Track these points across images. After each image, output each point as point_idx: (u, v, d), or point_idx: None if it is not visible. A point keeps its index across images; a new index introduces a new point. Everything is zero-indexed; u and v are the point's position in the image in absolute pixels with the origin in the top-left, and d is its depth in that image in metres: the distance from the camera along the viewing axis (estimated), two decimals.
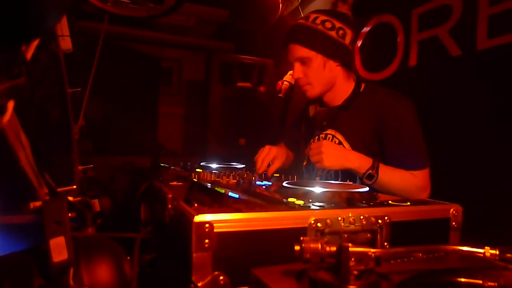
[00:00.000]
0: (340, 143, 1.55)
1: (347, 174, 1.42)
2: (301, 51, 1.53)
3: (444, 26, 1.95)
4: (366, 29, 2.49)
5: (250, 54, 3.53)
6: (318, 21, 1.52)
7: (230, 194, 0.91)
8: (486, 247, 0.69)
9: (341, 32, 1.53)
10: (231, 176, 1.23)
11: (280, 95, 2.07)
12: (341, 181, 1.30)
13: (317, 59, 1.53)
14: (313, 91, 1.59)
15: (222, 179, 1.20)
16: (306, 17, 1.57)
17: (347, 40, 1.55)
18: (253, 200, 0.86)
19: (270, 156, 1.54)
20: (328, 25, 1.52)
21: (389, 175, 1.40)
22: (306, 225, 0.74)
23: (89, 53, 1.59)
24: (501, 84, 1.69)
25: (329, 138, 1.60)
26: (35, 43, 0.56)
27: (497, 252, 0.68)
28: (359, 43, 2.54)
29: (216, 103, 3.34)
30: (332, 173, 1.55)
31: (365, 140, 1.51)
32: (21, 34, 0.42)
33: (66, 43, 1.25)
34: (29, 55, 0.55)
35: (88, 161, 1.43)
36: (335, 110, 1.61)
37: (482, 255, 0.68)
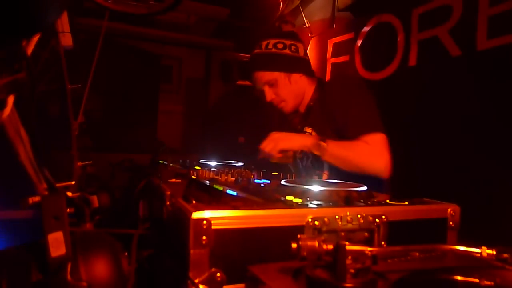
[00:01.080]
0: (310, 134, 1.67)
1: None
2: (265, 75, 1.68)
3: (444, 26, 1.95)
4: (366, 29, 2.49)
5: (250, 52, 3.53)
6: (270, 45, 1.68)
7: (228, 191, 0.92)
8: (483, 247, 0.69)
9: (293, 47, 1.69)
10: (230, 174, 1.23)
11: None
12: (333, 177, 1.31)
13: (281, 77, 1.67)
14: (288, 106, 1.73)
15: (220, 177, 1.21)
16: (260, 46, 1.72)
17: (301, 52, 1.71)
18: (251, 197, 0.87)
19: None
20: (280, 46, 1.67)
21: (340, 146, 1.46)
22: (304, 223, 0.74)
23: (89, 50, 1.59)
24: (500, 84, 1.69)
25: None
26: (35, 38, 0.56)
27: (494, 252, 0.68)
28: (359, 42, 2.54)
29: (216, 101, 3.34)
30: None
31: (328, 127, 1.60)
32: (22, 28, 0.42)
33: (66, 40, 1.26)
34: (29, 50, 0.55)
35: (87, 157, 1.43)
36: (305, 112, 1.75)
37: (479, 255, 0.68)
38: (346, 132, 1.51)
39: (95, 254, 0.68)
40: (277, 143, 1.46)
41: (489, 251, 0.69)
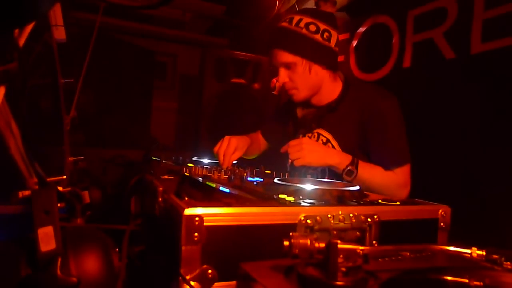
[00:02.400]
0: (328, 141, 1.56)
1: (332, 174, 1.44)
2: (285, 56, 1.51)
3: (439, 29, 1.96)
4: (361, 30, 2.50)
5: (245, 50, 3.52)
6: (302, 24, 1.49)
7: (221, 188, 0.91)
8: (473, 248, 0.70)
9: (326, 34, 1.51)
10: (223, 172, 1.22)
11: (274, 92, 2.08)
12: (330, 179, 1.30)
13: (302, 64, 1.51)
14: (299, 95, 1.57)
15: (213, 174, 1.20)
16: (290, 20, 1.52)
17: (332, 42, 1.53)
18: (243, 195, 0.86)
19: (231, 148, 1.52)
20: (312, 28, 1.49)
21: (369, 172, 1.41)
22: (296, 221, 0.74)
23: (83, 44, 1.58)
24: (494, 88, 1.70)
25: (314, 137, 1.62)
26: (28, 29, 0.56)
27: (484, 253, 0.69)
28: (354, 43, 2.55)
29: (210, 99, 3.33)
30: (319, 171, 1.56)
31: (353, 139, 1.52)
32: (14, 17, 0.41)
33: (59, 33, 1.24)
34: (21, 41, 0.54)
35: (79, 152, 1.42)
36: (323, 110, 1.61)
37: (469, 255, 0.68)
38: (379, 161, 1.46)
39: (86, 249, 0.67)
40: (305, 157, 1.35)
41: (479, 252, 0.69)
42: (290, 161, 1.47)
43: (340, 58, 2.70)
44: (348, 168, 1.37)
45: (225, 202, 0.72)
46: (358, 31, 2.52)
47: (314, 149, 1.38)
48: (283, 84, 1.58)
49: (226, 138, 1.55)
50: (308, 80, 1.54)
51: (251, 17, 3.73)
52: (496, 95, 1.69)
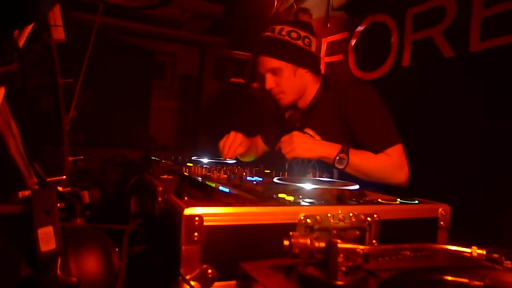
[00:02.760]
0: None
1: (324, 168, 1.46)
2: (271, 62, 1.59)
3: (437, 27, 1.96)
4: (360, 28, 2.50)
5: (244, 50, 3.52)
6: (284, 32, 1.58)
7: (221, 188, 0.91)
8: (473, 247, 0.70)
9: (306, 40, 1.60)
10: (222, 171, 1.22)
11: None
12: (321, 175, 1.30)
13: (287, 68, 1.59)
14: (286, 99, 1.66)
15: (213, 174, 1.20)
16: (272, 29, 1.61)
17: (313, 47, 1.63)
18: (243, 195, 0.86)
19: (237, 142, 1.57)
20: (293, 35, 1.58)
21: (361, 157, 1.43)
22: (296, 221, 0.74)
23: (82, 44, 1.57)
24: (493, 86, 1.70)
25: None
26: (27, 30, 0.56)
27: (484, 252, 0.69)
28: (353, 42, 2.55)
29: (209, 98, 3.33)
30: (316, 165, 1.58)
31: (336, 131, 1.57)
32: (14, 18, 0.41)
33: (59, 33, 1.24)
34: (21, 42, 0.54)
35: (78, 152, 1.42)
36: (307, 110, 1.68)
37: (469, 254, 0.69)
38: (368, 145, 1.48)
39: (86, 249, 0.67)
40: (295, 149, 1.41)
41: (479, 251, 0.69)
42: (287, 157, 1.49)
43: (339, 57, 2.70)
44: (339, 156, 1.40)
45: (224, 202, 0.72)
46: (357, 30, 2.52)
47: (304, 141, 1.44)
48: (270, 89, 1.66)
49: (233, 132, 1.60)
50: (293, 84, 1.62)
51: (250, 16, 3.73)
52: (496, 93, 1.69)
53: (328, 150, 1.43)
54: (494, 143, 1.69)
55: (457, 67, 1.87)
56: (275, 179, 1.09)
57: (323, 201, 0.86)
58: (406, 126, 1.96)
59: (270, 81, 1.62)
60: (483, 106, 1.74)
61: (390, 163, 1.45)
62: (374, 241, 0.83)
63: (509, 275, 0.68)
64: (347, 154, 1.40)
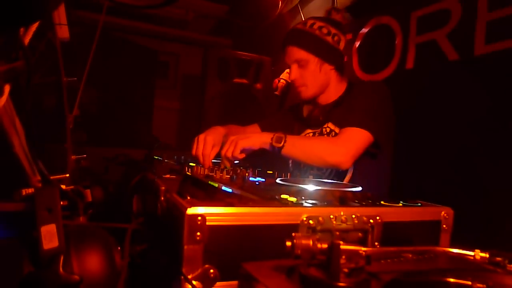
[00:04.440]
0: (336, 134, 1.61)
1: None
2: (299, 53, 1.62)
3: (442, 30, 1.96)
4: (364, 30, 2.50)
5: (248, 50, 3.52)
6: (315, 26, 1.62)
7: (224, 188, 0.91)
8: (476, 250, 0.70)
9: (336, 38, 1.63)
10: (225, 171, 1.23)
11: (276, 92, 2.09)
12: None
13: (313, 62, 1.62)
14: (307, 92, 1.68)
15: (215, 174, 1.20)
16: (304, 23, 1.66)
17: (341, 46, 1.66)
18: (246, 195, 0.86)
19: (208, 148, 1.52)
20: (324, 30, 1.62)
21: (298, 138, 1.51)
22: (298, 222, 0.74)
23: (86, 43, 1.58)
24: (497, 89, 1.70)
25: (323, 131, 1.67)
26: (33, 27, 0.56)
27: (487, 256, 0.69)
28: (357, 44, 2.55)
29: (212, 98, 3.33)
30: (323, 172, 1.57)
31: None
32: (21, 16, 0.41)
33: (63, 32, 1.24)
34: (26, 40, 0.55)
35: (81, 151, 1.42)
36: (329, 106, 1.70)
37: (472, 257, 0.68)
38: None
39: (88, 247, 0.68)
40: (237, 144, 1.42)
41: (482, 254, 0.69)
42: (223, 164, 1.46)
43: (346, 57, 2.70)
44: (275, 136, 1.42)
45: (227, 202, 0.72)
46: (361, 31, 2.52)
47: (242, 137, 1.45)
48: (294, 80, 1.68)
49: (201, 137, 1.55)
50: (317, 78, 1.64)
51: (254, 17, 3.73)
52: (500, 96, 1.68)
53: (266, 135, 1.45)
54: (499, 146, 1.68)
55: (462, 70, 1.86)
56: (277, 180, 1.09)
57: (325, 203, 0.86)
58: (411, 127, 1.97)
59: (295, 72, 1.65)
60: (487, 109, 1.73)
61: (333, 140, 1.50)
62: (376, 243, 0.83)
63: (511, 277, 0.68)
64: (285, 135, 1.42)
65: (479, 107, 1.76)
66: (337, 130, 1.61)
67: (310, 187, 0.94)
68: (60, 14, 1.20)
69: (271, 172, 1.47)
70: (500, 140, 1.67)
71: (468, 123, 1.80)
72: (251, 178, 1.18)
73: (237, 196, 0.85)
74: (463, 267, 0.71)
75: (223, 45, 4.26)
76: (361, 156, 1.47)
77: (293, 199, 0.84)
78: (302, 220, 0.74)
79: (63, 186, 0.87)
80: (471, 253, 0.69)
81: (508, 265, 0.69)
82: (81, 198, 0.92)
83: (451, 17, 1.92)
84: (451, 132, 1.88)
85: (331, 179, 1.47)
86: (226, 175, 1.18)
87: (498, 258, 0.70)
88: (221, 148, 1.48)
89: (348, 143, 1.46)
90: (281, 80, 2.07)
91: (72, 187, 0.90)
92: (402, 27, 2.22)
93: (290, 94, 2.02)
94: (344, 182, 1.17)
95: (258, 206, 0.73)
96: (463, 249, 0.71)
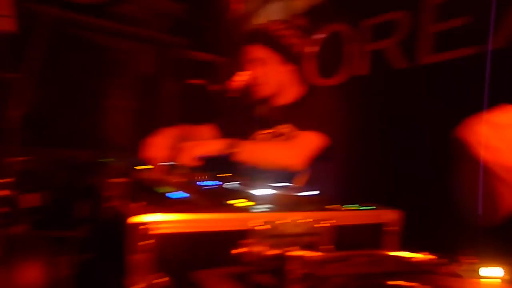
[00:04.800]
0: (291, 135, 1.61)
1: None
2: (258, 52, 1.65)
3: (392, 39, 2.04)
4: (320, 36, 2.54)
5: (204, 50, 3.49)
6: (277, 27, 1.66)
7: (174, 194, 0.89)
8: (423, 253, 0.72)
9: (297, 40, 1.68)
10: (178, 176, 1.19)
11: (232, 93, 2.08)
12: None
13: (272, 61, 1.64)
14: (264, 91, 1.70)
15: (169, 178, 1.17)
16: (265, 23, 1.72)
17: (302, 48, 1.71)
18: (196, 200, 0.84)
19: (160, 151, 1.49)
20: (286, 32, 1.66)
21: (255, 142, 1.54)
22: (251, 228, 0.73)
23: (36, 38, 1.49)
24: (442, 96, 1.78)
25: (281, 132, 1.67)
26: None
27: (434, 258, 0.71)
28: (313, 49, 2.59)
29: (167, 99, 3.26)
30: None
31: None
32: None
33: (8, 24, 1.16)
34: None
35: (28, 152, 1.34)
36: (286, 107, 1.72)
37: (419, 260, 0.70)
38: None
39: (28, 257, 0.63)
40: (192, 151, 1.37)
41: (429, 256, 0.71)
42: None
43: (305, 60, 2.73)
44: (232, 141, 1.41)
45: (177, 208, 0.69)
46: (317, 37, 2.56)
47: (197, 143, 1.42)
48: (252, 79, 1.69)
49: (153, 140, 1.55)
50: (275, 77, 1.67)
51: (212, 17, 3.70)
52: (445, 103, 1.76)
53: (221, 141, 1.43)
54: (443, 150, 1.75)
55: (410, 78, 1.94)
56: (232, 184, 1.08)
57: (279, 207, 0.85)
58: (363, 132, 2.02)
59: (253, 71, 1.67)
60: (434, 115, 1.81)
61: (288, 144, 1.53)
62: (328, 247, 0.84)
63: (458, 280, 0.71)
64: (241, 139, 1.43)
65: (425, 113, 1.83)
66: (292, 131, 1.62)
67: (265, 192, 0.94)
68: (4, 4, 1.12)
69: (226, 175, 1.45)
70: (445, 144, 1.73)
71: (418, 128, 1.87)
72: (205, 182, 1.16)
73: (186, 202, 0.83)
74: (411, 269, 0.73)
75: (179, 44, 4.18)
76: (316, 159, 1.49)
77: (246, 204, 0.83)
78: (255, 225, 0.73)
79: (4, 191, 0.81)
80: (419, 255, 0.71)
81: (453, 267, 0.71)
82: (23, 204, 0.86)
83: (400, 27, 2.00)
84: (401, 136, 1.95)
85: (287, 182, 1.48)
86: (179, 179, 1.15)
87: (444, 260, 0.72)
88: (175, 151, 1.44)
89: (302, 146, 1.49)
90: (238, 80, 2.06)
91: (12, 192, 0.84)
92: (356, 34, 2.28)
93: (247, 94, 2.01)
94: (299, 186, 1.18)
95: (209, 212, 0.71)
96: (412, 252, 0.73)
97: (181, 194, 0.86)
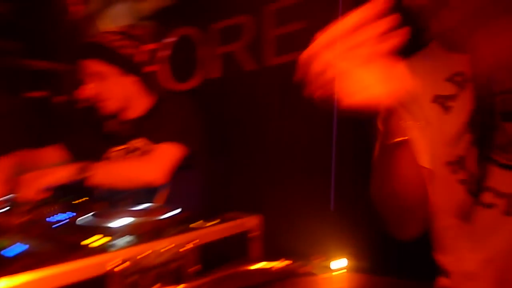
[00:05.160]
0: (145, 150, 1.54)
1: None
2: (96, 66, 1.54)
3: (240, 43, 2.12)
4: (170, 40, 2.50)
5: (43, 58, 3.12)
6: (114, 38, 1.57)
7: (7, 250, 0.73)
8: (280, 260, 0.77)
9: (136, 50, 1.61)
10: (20, 214, 1.03)
11: (81, 104, 1.92)
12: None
13: (113, 74, 1.55)
14: (109, 107, 1.59)
15: (5, 219, 0.99)
16: (102, 34, 1.62)
17: (144, 57, 1.66)
18: (40, 250, 0.73)
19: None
20: (124, 43, 1.57)
21: (108, 162, 1.47)
22: (110, 269, 0.67)
23: None
24: (290, 98, 1.91)
25: (133, 147, 1.58)
26: None
27: (290, 263, 0.76)
28: (164, 53, 2.53)
29: (2, 116, 2.83)
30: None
31: None
32: None
33: None
34: None
35: None
36: (137, 120, 1.63)
37: (277, 267, 0.74)
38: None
39: None
40: (38, 182, 1.23)
41: (286, 262, 0.76)
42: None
43: (151, 68, 2.64)
44: (81, 165, 1.33)
45: (12, 269, 0.58)
46: (168, 41, 2.51)
47: (42, 173, 1.28)
48: (94, 95, 1.57)
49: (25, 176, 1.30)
50: (119, 91, 1.58)
51: (47, 19, 3.32)
52: (294, 104, 1.90)
53: (70, 167, 1.32)
54: (303, 150, 1.86)
55: (258, 79, 2.04)
56: (85, 217, 0.98)
57: (140, 238, 0.81)
58: (221, 137, 2.06)
59: (94, 87, 1.56)
60: (278, 117, 1.93)
61: (144, 159, 1.47)
62: (196, 268, 0.83)
63: (312, 278, 0.77)
64: (92, 162, 1.35)
65: (275, 114, 1.95)
66: (146, 145, 1.56)
67: (122, 222, 0.88)
68: None
69: (82, 201, 1.31)
70: (304, 144, 1.85)
71: (272, 129, 1.98)
72: (55, 217, 1.03)
73: (27, 256, 0.70)
74: (271, 279, 0.76)
75: (11, 51, 3.65)
76: (176, 171, 1.46)
77: (101, 241, 0.76)
78: (114, 266, 0.68)
79: None
80: (277, 263, 0.75)
81: (308, 268, 0.78)
82: None
83: (246, 31, 2.09)
84: (253, 138, 2.03)
85: (147, 200, 1.41)
86: (21, 220, 0.99)
87: (299, 263, 0.78)
88: (13, 184, 1.25)
89: (161, 159, 1.43)
90: (86, 91, 1.89)
91: None
92: (205, 37, 2.30)
93: (95, 108, 1.86)
94: (159, 206, 1.13)
95: (55, 264, 0.62)
96: (271, 258, 0.78)
97: (18, 247, 0.73)
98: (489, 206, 0.76)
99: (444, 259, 0.87)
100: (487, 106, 0.76)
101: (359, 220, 1.38)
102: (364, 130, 0.82)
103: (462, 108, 0.81)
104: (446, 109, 0.84)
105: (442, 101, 0.85)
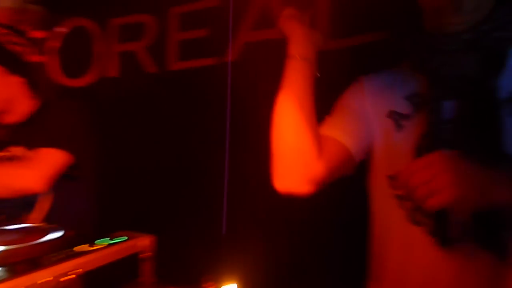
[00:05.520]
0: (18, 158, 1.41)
1: None
2: None
3: (141, 43, 2.02)
4: (63, 30, 2.28)
5: None
6: (0, 31, 1.46)
7: None
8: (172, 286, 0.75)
9: (25, 48, 1.50)
10: None
11: None
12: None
13: None
14: None
15: None
16: None
17: (33, 58, 1.53)
18: None
19: None
20: (11, 38, 1.47)
21: None
22: None
23: None
24: (190, 103, 1.89)
25: (9, 155, 1.44)
26: None
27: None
28: (56, 43, 2.31)
29: None
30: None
31: None
32: None
33: None
34: None
35: None
36: (16, 126, 1.49)
37: None
38: None
39: None
40: None
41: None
42: None
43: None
44: None
45: None
46: (59, 30, 2.29)
47: None
48: None
49: None
50: (0, 92, 1.43)
51: None
52: (192, 110, 1.87)
53: None
54: (198, 161, 1.82)
55: (159, 82, 1.96)
56: None
57: (14, 269, 0.72)
58: (116, 140, 1.93)
59: None
60: (182, 123, 1.89)
61: (22, 164, 1.35)
62: None
63: None
64: None
65: (177, 120, 1.90)
66: (24, 152, 1.42)
67: None
68: None
69: None
70: (199, 153, 1.82)
71: (169, 135, 1.92)
72: None
73: None
74: None
75: None
76: (61, 181, 1.34)
77: None
78: None
79: None
80: None
81: None
82: None
83: (148, 31, 2.00)
84: (152, 144, 1.95)
85: (26, 211, 1.28)
86: None
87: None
88: None
89: (41, 165, 1.30)
90: None
91: None
92: (102, 32, 2.15)
93: None
94: (37, 226, 1.01)
95: None
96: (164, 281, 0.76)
97: None
98: (418, 223, 0.82)
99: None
100: (437, 132, 0.80)
101: (250, 244, 1.41)
102: (257, 155, 0.85)
103: (413, 130, 0.86)
104: (399, 127, 0.89)
105: (396, 118, 0.90)
